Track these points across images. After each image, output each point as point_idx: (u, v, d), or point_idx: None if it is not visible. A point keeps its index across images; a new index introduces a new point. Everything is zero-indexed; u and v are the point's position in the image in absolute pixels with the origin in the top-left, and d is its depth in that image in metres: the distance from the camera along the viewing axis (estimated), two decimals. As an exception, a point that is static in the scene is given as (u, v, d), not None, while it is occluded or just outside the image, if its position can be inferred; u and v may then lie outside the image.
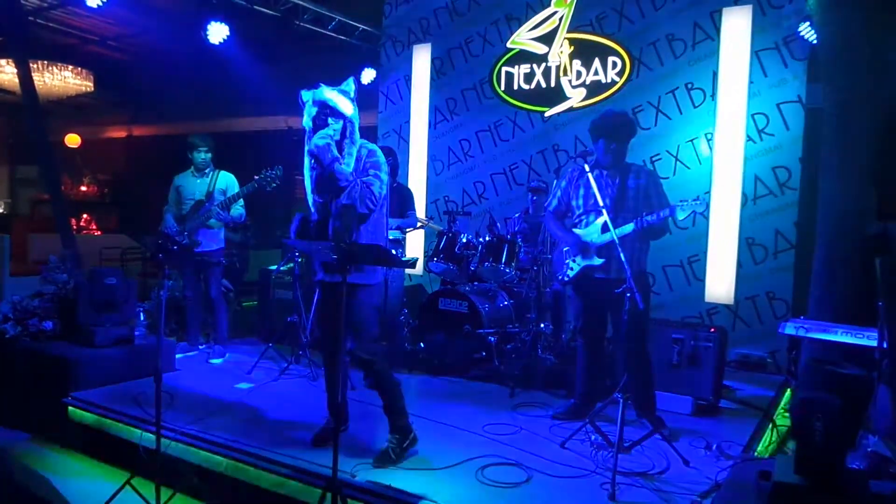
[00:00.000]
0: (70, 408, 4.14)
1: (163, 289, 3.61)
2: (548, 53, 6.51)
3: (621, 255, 3.31)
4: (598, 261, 3.72)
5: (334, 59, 7.61)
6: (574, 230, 3.91)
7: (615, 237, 3.39)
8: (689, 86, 5.86)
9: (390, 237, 4.15)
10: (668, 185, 3.93)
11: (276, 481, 3.18)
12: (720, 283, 5.69)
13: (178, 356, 5.09)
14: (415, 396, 3.47)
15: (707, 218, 5.69)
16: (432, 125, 7.29)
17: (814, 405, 2.35)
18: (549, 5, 6.50)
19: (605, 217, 3.51)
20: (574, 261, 3.83)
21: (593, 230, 3.77)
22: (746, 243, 5.62)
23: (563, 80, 6.44)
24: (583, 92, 6.36)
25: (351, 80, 3.33)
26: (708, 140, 5.78)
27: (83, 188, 13.62)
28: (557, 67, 6.47)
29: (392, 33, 7.51)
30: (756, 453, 3.58)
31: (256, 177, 4.88)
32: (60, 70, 9.03)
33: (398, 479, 3.05)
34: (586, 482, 3.09)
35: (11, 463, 3.93)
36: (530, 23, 6.61)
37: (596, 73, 6.29)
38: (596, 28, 6.30)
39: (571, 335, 4.85)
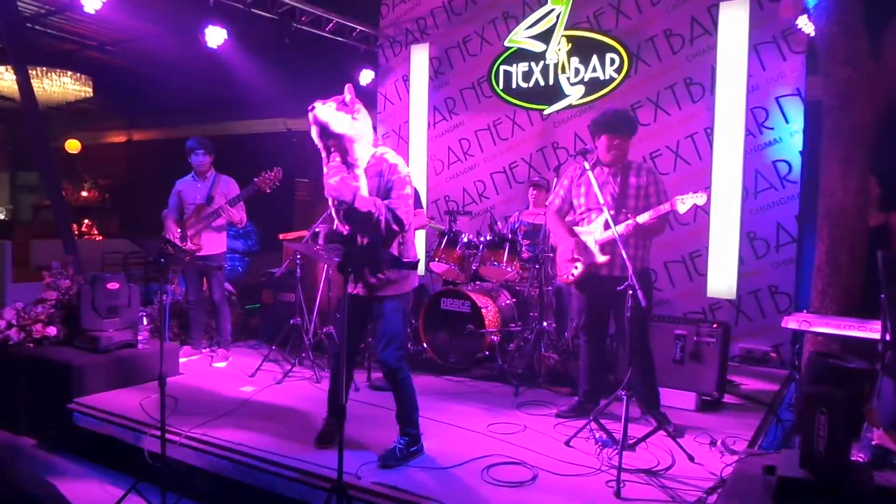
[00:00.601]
0: (75, 413, 4.15)
1: (165, 293, 3.63)
2: (546, 51, 6.51)
3: (623, 252, 3.31)
4: (602, 258, 3.72)
5: (332, 60, 7.61)
6: (576, 228, 3.91)
7: (617, 235, 3.40)
8: (688, 81, 5.86)
9: None
10: (668, 181, 3.93)
11: (281, 484, 3.18)
12: (722, 278, 5.69)
13: (181, 360, 5.09)
14: (419, 396, 3.47)
15: (708, 213, 5.69)
16: (431, 125, 7.29)
17: (818, 398, 2.35)
18: (546, 3, 6.51)
19: (606, 214, 3.51)
20: (577, 259, 3.82)
21: (595, 228, 3.77)
22: (748, 238, 5.62)
23: (562, 78, 6.44)
24: (581, 89, 6.36)
25: (346, 90, 3.18)
26: (708, 135, 5.77)
27: (84, 193, 13.63)
28: (555, 65, 6.47)
29: (389, 34, 7.52)
30: (761, 448, 3.57)
31: (256, 179, 4.89)
32: (59, 76, 9.04)
33: (403, 479, 3.06)
34: (591, 480, 3.09)
35: (18, 470, 3.94)
36: (528, 21, 6.61)
37: (594, 70, 6.29)
38: (593, 25, 6.30)
39: (574, 333, 4.85)
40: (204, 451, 3.49)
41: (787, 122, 5.47)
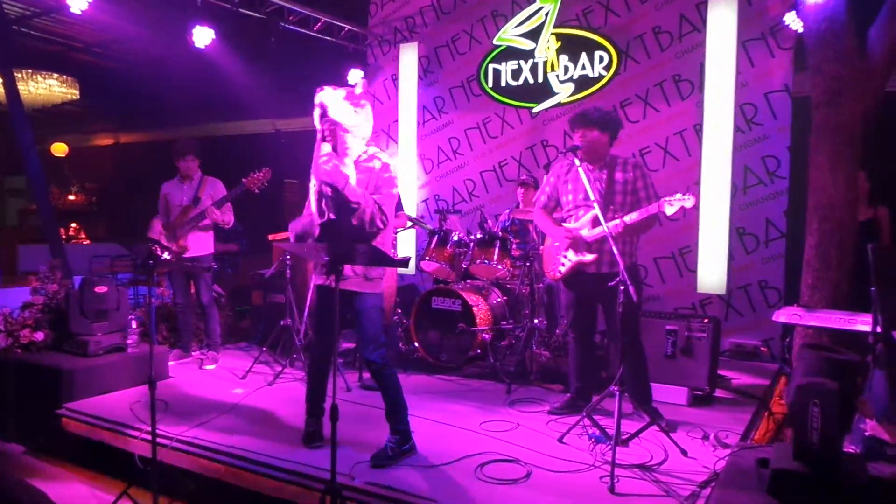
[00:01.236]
0: (64, 419, 4.10)
1: (153, 296, 3.60)
2: (535, 49, 6.51)
3: (613, 248, 3.31)
4: (588, 256, 3.72)
5: (321, 60, 7.58)
6: (564, 225, 3.91)
7: (607, 231, 3.40)
8: (677, 78, 5.88)
9: None
10: (657, 177, 3.95)
11: (274, 486, 3.16)
12: (712, 273, 5.71)
13: (171, 363, 5.05)
14: (411, 396, 3.46)
15: (698, 209, 5.71)
16: (421, 124, 7.28)
17: (810, 391, 2.35)
18: (535, 1, 6.51)
19: (595, 211, 3.51)
20: (565, 256, 3.82)
21: (582, 225, 3.77)
22: (737, 233, 5.64)
23: (551, 76, 6.45)
24: (571, 87, 6.37)
25: (359, 84, 3.30)
26: (697, 131, 5.79)
27: (71, 197, 13.52)
28: (545, 63, 6.48)
29: (378, 33, 7.50)
30: (753, 442, 3.59)
31: (244, 179, 4.86)
32: (45, 78, 8.95)
33: (396, 478, 3.04)
34: (585, 476, 3.08)
35: (6, 477, 3.89)
36: (516, 19, 6.61)
37: (583, 67, 6.30)
38: (582, 22, 6.30)
39: (565, 330, 4.85)
40: (195, 454, 3.46)
41: (775, 118, 5.49)
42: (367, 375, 4.66)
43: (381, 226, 3.18)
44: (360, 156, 3.28)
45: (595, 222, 3.61)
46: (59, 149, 12.88)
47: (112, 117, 13.03)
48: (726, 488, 2.54)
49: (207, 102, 9.93)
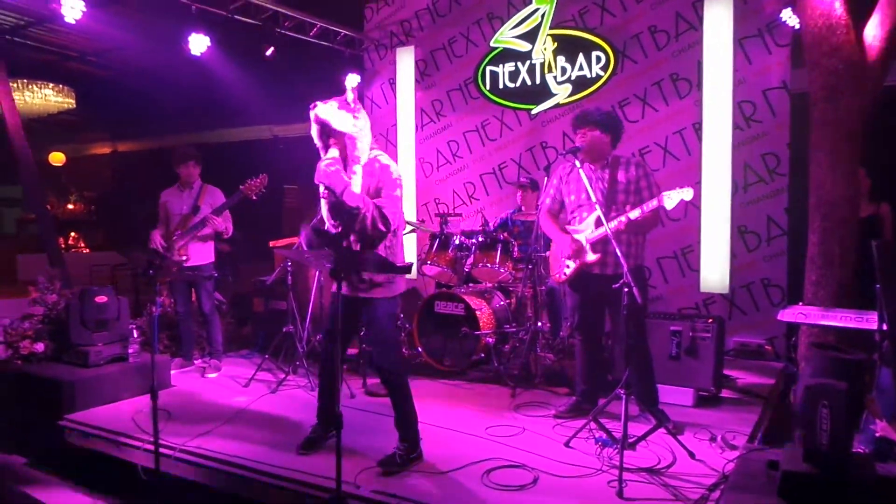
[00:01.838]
0: (66, 431, 4.08)
1: (154, 305, 3.58)
2: (532, 51, 6.50)
3: (617, 250, 3.29)
4: (592, 257, 3.70)
5: (318, 65, 7.56)
6: (568, 227, 3.89)
7: (609, 232, 3.37)
8: (675, 77, 5.87)
9: None
10: (658, 176, 3.91)
11: (278, 496, 3.14)
12: (715, 272, 5.69)
13: (172, 372, 5.02)
14: (415, 400, 3.43)
15: (699, 208, 5.69)
16: (419, 127, 7.26)
17: (819, 391, 2.33)
18: (531, 2, 6.50)
19: (598, 212, 3.49)
20: (570, 259, 3.80)
21: (586, 226, 3.75)
22: (739, 231, 5.63)
23: (549, 77, 6.43)
24: (568, 88, 6.35)
25: (349, 92, 3.24)
26: (696, 130, 5.77)
27: (70, 206, 13.49)
28: (542, 64, 6.46)
29: (374, 37, 7.48)
30: (760, 442, 3.56)
31: (241, 186, 4.84)
32: (41, 88, 8.91)
33: (403, 486, 3.02)
34: (593, 481, 3.06)
35: (9, 490, 3.87)
36: (513, 21, 6.60)
37: (581, 68, 6.28)
38: (579, 23, 6.29)
39: (569, 332, 4.83)
40: (199, 464, 3.43)
41: (774, 115, 5.48)
42: (371, 381, 4.64)
43: (383, 229, 3.14)
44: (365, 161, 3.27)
45: (598, 223, 3.59)
46: (57, 158, 12.85)
47: (109, 126, 13.01)
48: (736, 491, 2.51)
49: (204, 110, 9.91)
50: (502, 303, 5.30)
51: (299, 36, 6.92)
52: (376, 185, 3.21)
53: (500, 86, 6.72)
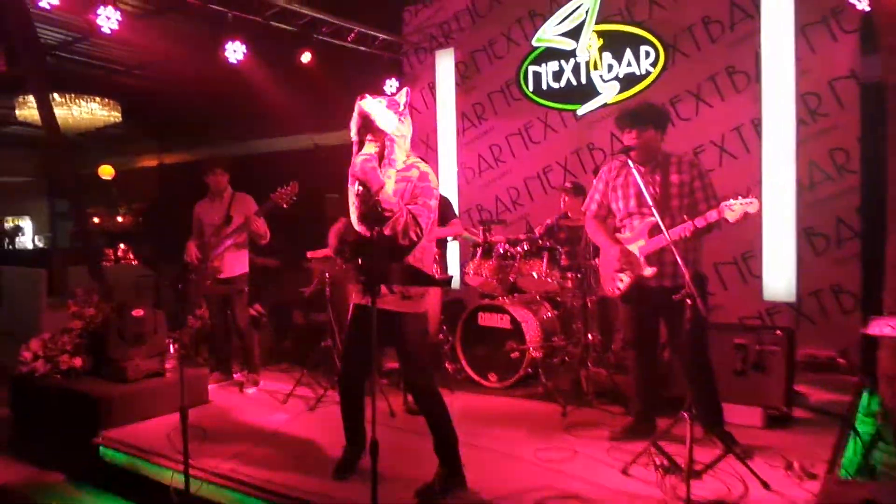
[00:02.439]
0: (101, 448, 3.99)
1: (194, 317, 3.44)
2: (576, 48, 6.22)
3: (677, 258, 2.99)
4: (648, 271, 3.39)
5: (357, 71, 7.43)
6: (618, 235, 3.60)
7: (669, 239, 3.07)
8: (731, 70, 5.51)
9: None
10: (713, 177, 3.58)
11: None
12: (779, 278, 5.30)
13: (211, 387, 4.91)
14: (458, 419, 3.19)
15: (760, 209, 5.30)
16: (460, 132, 7.07)
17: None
18: (573, -2, 6.22)
19: (652, 218, 3.20)
20: (623, 271, 3.50)
21: (639, 235, 3.45)
22: (805, 234, 5.22)
23: (595, 75, 6.14)
24: (616, 86, 6.05)
25: (404, 93, 3.07)
26: (755, 126, 5.40)
27: (119, 219, 13.74)
28: (587, 62, 6.18)
29: (413, 41, 7.31)
30: (842, 469, 3.21)
31: (272, 195, 4.72)
32: (87, 102, 9.05)
33: (445, 517, 2.79)
34: (655, 513, 2.78)
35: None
36: (555, 18, 6.33)
37: (629, 64, 5.97)
38: (625, 17, 5.99)
39: (623, 347, 4.52)
40: (231, 488, 3.27)
41: (842, 107, 5.07)
42: (413, 398, 4.42)
43: (415, 238, 2.93)
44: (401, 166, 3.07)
45: (653, 231, 3.30)
46: (106, 171, 13.10)
47: (156, 139, 13.22)
48: (825, 533, 2.20)
49: (247, 120, 9.93)
50: (549, 314, 5.03)
51: (337, 41, 6.80)
52: (412, 192, 3.00)
53: (544, 86, 6.45)
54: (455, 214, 5.01)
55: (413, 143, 3.16)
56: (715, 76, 5.57)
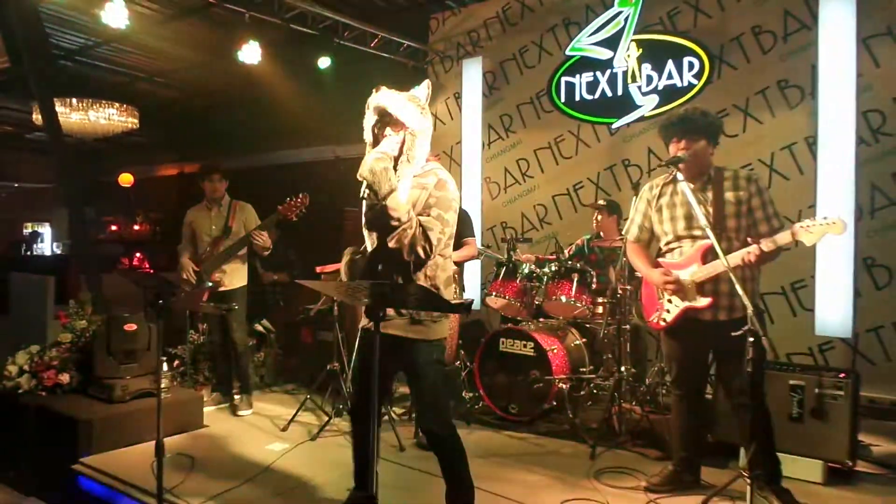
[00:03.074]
0: (79, 476, 3.61)
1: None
2: (613, 59, 5.82)
3: (738, 288, 2.55)
4: (702, 301, 2.95)
5: (380, 79, 7.11)
6: (663, 261, 3.16)
7: (727, 266, 2.63)
8: (783, 84, 5.05)
9: None
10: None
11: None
12: (834, 312, 4.78)
13: (207, 409, 4.53)
14: (474, 458, 2.77)
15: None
16: (486, 145, 6.69)
17: None
18: (612, 6, 5.83)
19: (707, 242, 2.77)
20: (671, 301, 3.06)
21: (690, 260, 3.02)
22: (865, 264, 4.72)
23: (632, 87, 5.73)
24: (655, 99, 5.62)
25: (425, 85, 2.73)
26: (810, 145, 4.94)
27: (136, 227, 13.60)
28: (625, 73, 5.77)
29: (440, 49, 6.99)
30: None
31: (279, 206, 4.37)
32: (105, 107, 8.87)
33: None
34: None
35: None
36: (592, 26, 5.94)
37: (670, 76, 5.55)
38: (668, 26, 5.58)
39: (664, 384, 4.06)
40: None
41: (909, 126, 4.59)
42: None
43: (422, 255, 2.51)
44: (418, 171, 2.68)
45: (707, 256, 2.86)
46: (126, 179, 13.01)
47: (176, 148, 13.10)
48: None
49: (267, 130, 9.73)
50: (578, 342, 4.59)
51: (359, 47, 6.50)
52: (427, 201, 2.59)
53: (577, 98, 6.05)
54: (472, 233, 4.58)
55: (437, 154, 2.77)
56: (766, 90, 5.13)
